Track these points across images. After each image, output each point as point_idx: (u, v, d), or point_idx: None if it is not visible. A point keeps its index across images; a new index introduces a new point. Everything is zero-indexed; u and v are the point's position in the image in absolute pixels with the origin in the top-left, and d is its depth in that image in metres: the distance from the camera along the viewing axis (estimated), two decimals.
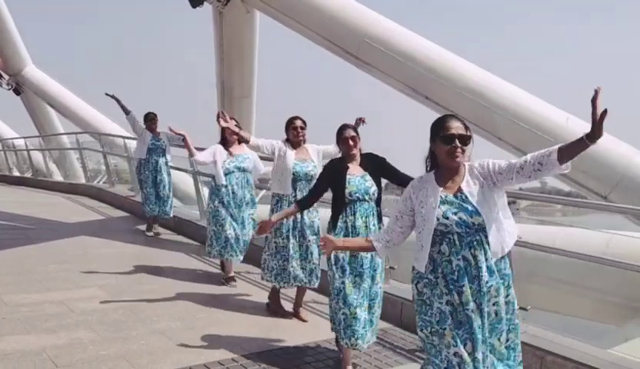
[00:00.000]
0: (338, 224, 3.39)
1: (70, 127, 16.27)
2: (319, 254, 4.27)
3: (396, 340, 4.02)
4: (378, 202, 3.47)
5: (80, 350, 3.45)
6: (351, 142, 3.46)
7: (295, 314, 4.44)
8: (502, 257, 2.38)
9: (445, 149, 2.36)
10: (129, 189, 10.52)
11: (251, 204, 5.38)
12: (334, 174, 3.47)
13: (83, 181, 13.47)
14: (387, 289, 4.67)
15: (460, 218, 2.30)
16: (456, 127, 2.36)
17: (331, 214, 3.48)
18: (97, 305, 4.38)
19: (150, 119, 7.45)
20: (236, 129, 4.30)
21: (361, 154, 3.53)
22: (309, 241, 4.28)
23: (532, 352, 3.57)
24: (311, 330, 4.17)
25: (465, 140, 2.37)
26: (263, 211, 5.04)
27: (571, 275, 6.59)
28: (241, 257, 5.30)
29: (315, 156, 4.41)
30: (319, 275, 4.33)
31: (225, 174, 5.17)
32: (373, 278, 3.39)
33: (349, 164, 3.45)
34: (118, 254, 6.32)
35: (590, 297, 6.68)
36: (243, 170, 5.27)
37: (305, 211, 4.17)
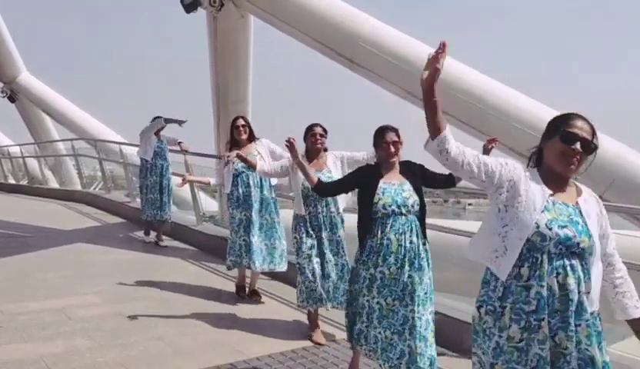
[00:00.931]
0: (368, 243, 2.98)
1: (65, 134, 16.25)
2: (347, 271, 3.90)
3: None
4: (420, 216, 3.03)
5: (77, 358, 3.44)
6: (392, 148, 3.03)
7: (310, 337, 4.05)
8: (593, 313, 1.87)
9: (560, 148, 1.88)
10: (125, 195, 10.51)
11: (266, 204, 4.91)
12: (365, 179, 3.07)
13: (79, 187, 13.45)
14: None
15: (566, 235, 1.81)
16: (583, 127, 1.88)
17: (357, 231, 3.06)
18: (94, 312, 4.37)
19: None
20: (244, 156, 4.13)
21: (399, 163, 3.11)
22: (328, 259, 3.98)
23: None
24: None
25: (589, 148, 1.89)
26: (285, 218, 4.89)
27: None
28: (262, 266, 4.86)
29: (333, 165, 3.98)
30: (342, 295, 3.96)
31: (236, 176, 4.86)
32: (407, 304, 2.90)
33: (385, 173, 3.04)
34: (115, 261, 6.31)
35: None
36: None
37: (327, 228, 3.96)
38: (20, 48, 17.17)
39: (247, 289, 5.14)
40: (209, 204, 11.49)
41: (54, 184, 16.32)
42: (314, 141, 3.97)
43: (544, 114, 6.78)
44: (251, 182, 4.88)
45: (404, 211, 2.94)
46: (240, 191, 4.88)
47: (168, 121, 7.12)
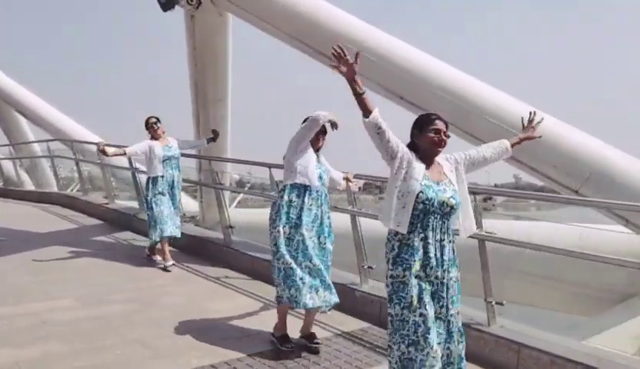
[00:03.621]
0: None
1: (41, 135, 15.95)
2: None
3: (376, 340, 4.02)
4: None
5: (54, 363, 3.38)
6: None
7: None
8: None
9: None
10: (103, 196, 10.35)
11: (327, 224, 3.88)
12: None
13: (55, 189, 13.21)
14: (366, 289, 4.70)
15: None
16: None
17: None
18: (71, 316, 4.30)
19: (151, 124, 6.19)
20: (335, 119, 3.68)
21: None
22: (451, 313, 2.69)
23: (508, 346, 3.62)
24: (293, 333, 4.13)
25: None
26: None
27: (545, 269, 6.71)
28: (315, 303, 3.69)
29: (451, 174, 2.77)
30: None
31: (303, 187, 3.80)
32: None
33: None
34: (93, 263, 6.20)
35: (564, 290, 6.81)
36: (323, 185, 3.91)
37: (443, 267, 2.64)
38: None
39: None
40: (190, 205, 11.40)
41: (30, 186, 16.01)
42: (433, 142, 2.71)
43: (520, 110, 6.88)
44: (321, 198, 3.84)
45: None
46: (306, 201, 3.76)
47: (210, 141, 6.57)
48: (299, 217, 3.72)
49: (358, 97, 2.61)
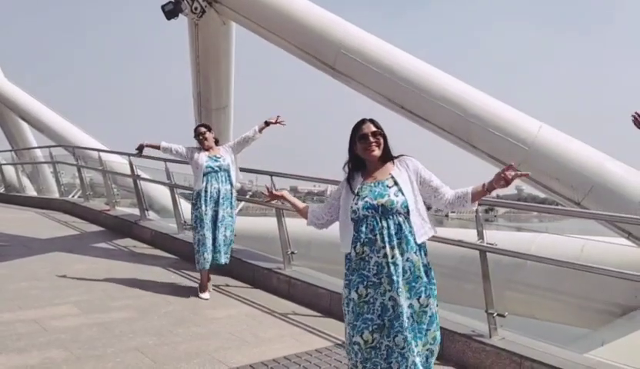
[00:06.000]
0: None
1: (43, 141, 15.98)
2: None
3: None
4: None
5: None
6: None
7: None
8: None
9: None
10: (105, 203, 10.36)
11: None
12: None
13: (57, 195, 13.22)
14: None
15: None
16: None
17: None
18: (70, 323, 4.28)
19: (198, 134, 5.52)
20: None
21: None
22: None
23: (509, 358, 3.59)
24: (293, 342, 4.13)
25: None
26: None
27: (547, 281, 6.69)
28: None
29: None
30: None
31: (360, 220, 2.62)
32: None
33: None
34: (92, 270, 6.19)
35: (566, 302, 6.78)
36: (386, 213, 2.62)
37: None
38: None
39: None
40: (189, 211, 11.38)
41: (31, 191, 16.02)
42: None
43: (521, 120, 6.90)
44: (385, 231, 2.59)
45: None
46: (374, 261, 2.60)
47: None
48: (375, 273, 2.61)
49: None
